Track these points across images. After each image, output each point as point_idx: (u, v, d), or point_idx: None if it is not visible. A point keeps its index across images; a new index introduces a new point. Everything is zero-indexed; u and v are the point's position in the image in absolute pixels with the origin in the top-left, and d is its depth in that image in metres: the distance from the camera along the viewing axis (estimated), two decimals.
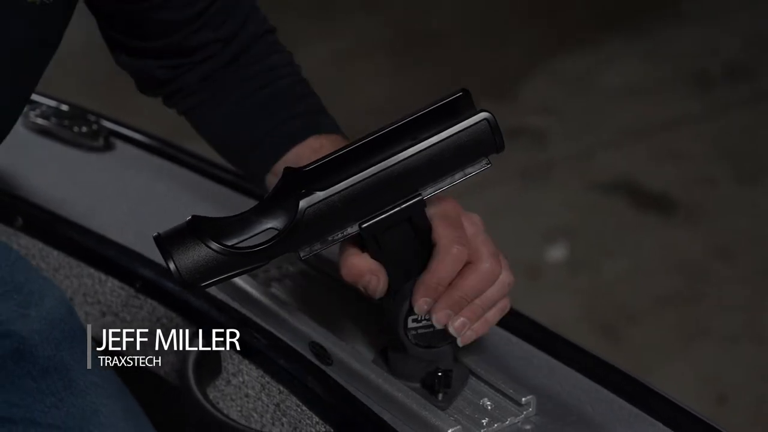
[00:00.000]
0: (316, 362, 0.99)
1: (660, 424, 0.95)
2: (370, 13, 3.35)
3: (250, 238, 0.91)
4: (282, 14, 3.35)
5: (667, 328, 2.34)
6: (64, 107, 1.41)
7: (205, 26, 1.12)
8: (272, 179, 1.14)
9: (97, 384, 1.11)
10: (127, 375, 1.15)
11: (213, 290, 1.14)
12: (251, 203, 1.14)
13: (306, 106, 1.17)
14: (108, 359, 1.15)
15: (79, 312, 1.20)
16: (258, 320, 1.08)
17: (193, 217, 0.91)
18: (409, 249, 0.94)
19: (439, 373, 0.92)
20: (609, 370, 1.02)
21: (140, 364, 1.17)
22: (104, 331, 1.20)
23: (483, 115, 0.90)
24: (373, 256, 0.95)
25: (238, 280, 1.09)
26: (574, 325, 0.98)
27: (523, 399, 0.91)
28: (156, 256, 1.06)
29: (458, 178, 0.91)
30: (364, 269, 0.93)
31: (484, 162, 0.91)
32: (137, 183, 1.35)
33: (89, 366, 1.12)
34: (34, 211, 1.26)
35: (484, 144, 0.91)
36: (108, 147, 1.38)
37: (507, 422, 0.90)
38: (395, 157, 0.89)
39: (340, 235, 0.90)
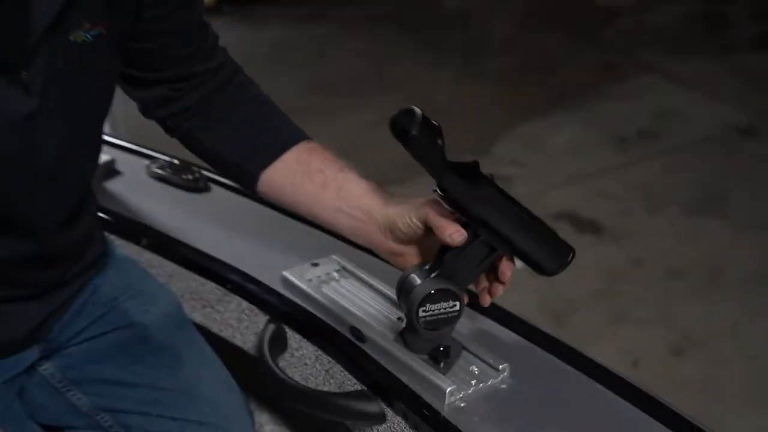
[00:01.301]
0: (354, 340, 1.05)
1: (584, 376, 1.01)
2: (388, 93, 3.44)
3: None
4: (322, 95, 3.42)
5: (597, 315, 2.43)
6: (176, 162, 1.48)
7: (199, 59, 1.13)
8: (265, 179, 1.12)
9: (199, 359, 1.17)
10: (220, 350, 1.21)
11: (282, 289, 1.19)
12: (310, 230, 1.24)
13: (287, 119, 1.16)
14: (205, 340, 1.22)
15: (186, 306, 1.26)
16: (313, 310, 1.13)
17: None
18: (474, 258, 0.97)
19: (441, 348, 0.97)
20: (561, 346, 1.07)
21: (230, 342, 1.25)
22: (204, 319, 1.28)
23: (572, 252, 0.95)
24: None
25: (299, 283, 1.15)
26: (532, 314, 1.04)
27: (500, 366, 0.97)
28: (241, 264, 1.23)
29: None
30: (450, 227, 0.94)
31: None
32: (226, 213, 1.40)
33: (193, 346, 1.18)
34: (154, 234, 1.33)
35: (554, 260, 0.96)
36: (206, 189, 1.44)
37: (489, 383, 0.97)
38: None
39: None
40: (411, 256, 1.03)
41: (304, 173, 1.07)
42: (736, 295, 2.47)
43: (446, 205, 0.93)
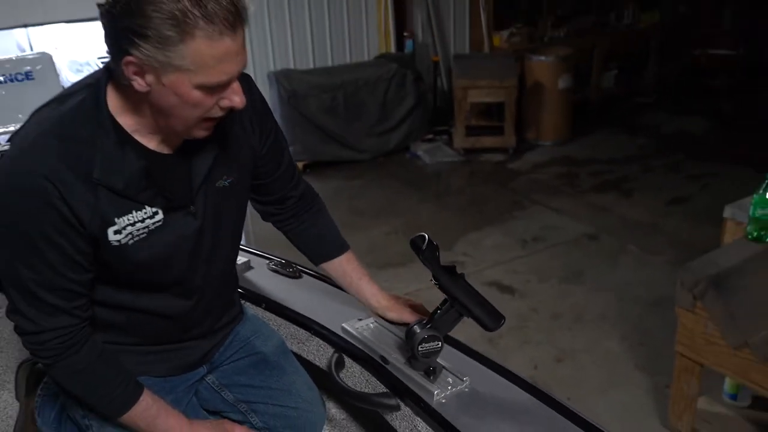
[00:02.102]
0: (382, 363, 1.26)
1: (509, 383, 1.18)
2: (396, 217, 4.14)
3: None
4: (359, 217, 4.10)
5: (513, 340, 2.86)
6: (283, 260, 1.66)
7: (290, 189, 1.30)
8: (329, 267, 1.34)
9: (294, 371, 1.36)
10: (307, 367, 1.39)
11: (342, 333, 1.34)
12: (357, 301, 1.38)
13: (338, 234, 1.36)
14: (298, 361, 1.39)
15: (288, 342, 1.43)
16: (359, 345, 1.33)
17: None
18: (449, 319, 1.18)
19: (431, 368, 1.20)
20: (496, 365, 1.26)
21: (312, 363, 1.42)
22: (298, 349, 1.45)
23: (502, 322, 1.13)
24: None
25: (351, 330, 1.33)
26: (477, 340, 1.30)
27: (464, 378, 1.20)
28: (319, 318, 1.39)
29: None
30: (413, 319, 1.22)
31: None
32: (310, 290, 1.56)
33: (291, 364, 1.37)
34: (270, 301, 1.51)
35: (494, 322, 1.14)
36: (300, 277, 1.62)
37: (458, 388, 1.18)
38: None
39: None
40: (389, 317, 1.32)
41: (342, 273, 1.35)
42: (589, 328, 2.98)
43: (438, 288, 1.16)
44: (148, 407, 1.11)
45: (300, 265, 1.62)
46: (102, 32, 0.93)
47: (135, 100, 0.99)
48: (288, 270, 1.63)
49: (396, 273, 3.11)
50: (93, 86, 1.01)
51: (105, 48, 0.96)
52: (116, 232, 1.01)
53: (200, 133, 1.02)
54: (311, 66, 5.25)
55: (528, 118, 5.39)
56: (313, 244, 1.35)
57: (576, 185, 4.65)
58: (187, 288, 1.16)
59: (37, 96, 1.68)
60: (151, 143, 1.03)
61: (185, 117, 0.98)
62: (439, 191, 4.82)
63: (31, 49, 5.65)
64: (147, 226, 1.04)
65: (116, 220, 1.01)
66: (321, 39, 5.26)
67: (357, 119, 5.02)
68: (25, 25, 4.57)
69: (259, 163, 1.21)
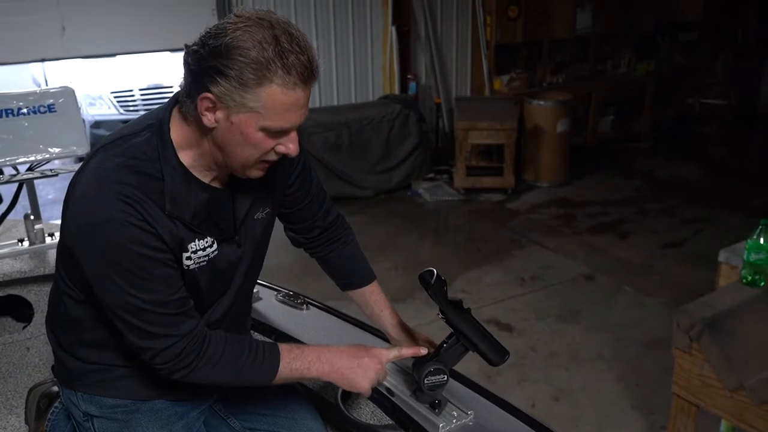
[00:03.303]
0: (388, 396, 1.27)
1: (511, 417, 1.18)
2: (397, 253, 4.18)
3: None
4: (371, 253, 4.14)
5: (512, 377, 2.87)
6: (291, 292, 1.69)
7: (320, 218, 1.35)
8: (354, 295, 1.38)
9: (300, 402, 1.38)
10: (313, 399, 1.41)
11: None
12: (363, 333, 1.44)
13: (365, 264, 1.40)
14: (304, 393, 1.41)
15: None
16: None
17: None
18: (455, 352, 1.19)
19: (437, 401, 1.21)
20: (498, 399, 1.27)
21: (319, 395, 1.46)
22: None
23: (506, 357, 1.14)
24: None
25: None
26: (476, 375, 1.34)
27: (469, 411, 1.21)
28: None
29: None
30: (414, 352, 1.23)
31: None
32: (317, 322, 1.57)
33: (297, 395, 1.38)
34: (278, 332, 1.53)
35: (498, 357, 1.15)
36: (307, 308, 1.64)
37: (462, 421, 1.19)
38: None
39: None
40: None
41: (365, 302, 1.39)
42: (586, 367, 2.99)
43: (444, 322, 1.17)
44: (290, 351, 1.15)
45: (308, 297, 1.64)
46: (175, 68, 1.03)
47: (197, 137, 1.06)
48: (296, 301, 1.65)
49: (396, 308, 3.08)
50: (156, 125, 1.07)
51: (182, 83, 1.03)
52: (188, 258, 1.10)
53: (255, 173, 1.08)
54: (317, 105, 5.33)
55: (527, 160, 5.46)
56: (339, 272, 1.40)
57: (573, 226, 4.69)
58: (217, 310, 1.21)
59: (58, 128, 1.82)
60: (206, 179, 1.10)
61: (244, 156, 1.04)
62: (439, 229, 4.86)
63: (46, 83, 5.80)
64: (207, 255, 1.11)
65: (188, 246, 1.09)
66: (327, 79, 5.37)
67: (360, 157, 5.09)
68: (43, 60, 4.69)
69: (287, 192, 1.27)
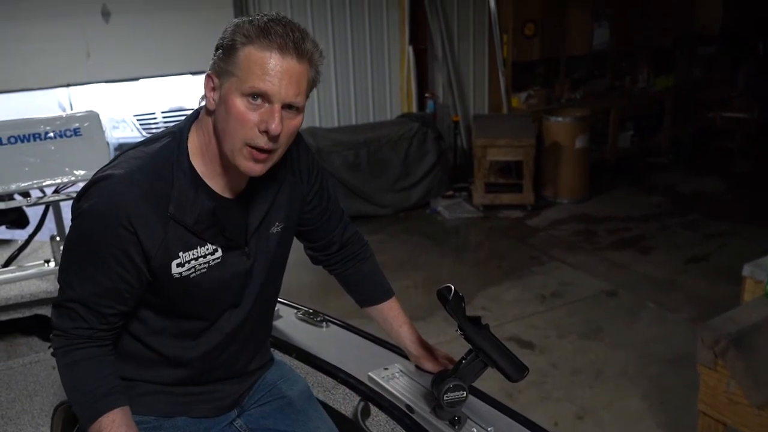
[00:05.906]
0: (407, 412, 1.27)
1: None
2: (416, 271, 4.18)
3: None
4: (391, 272, 4.14)
5: (534, 395, 2.83)
6: (310, 310, 1.69)
7: (337, 234, 1.35)
8: (372, 312, 1.39)
9: (319, 418, 1.36)
10: (332, 415, 1.39)
11: (368, 381, 1.34)
12: (383, 350, 1.44)
13: (382, 280, 1.40)
14: (324, 409, 1.39)
15: (314, 389, 1.44)
16: (385, 394, 1.35)
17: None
18: (474, 369, 1.19)
19: (456, 417, 1.21)
20: (519, 416, 1.26)
21: (338, 411, 1.42)
22: (324, 397, 1.46)
23: (526, 372, 1.13)
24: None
25: (377, 378, 1.34)
26: (495, 393, 1.33)
27: (489, 428, 1.21)
28: (345, 367, 1.40)
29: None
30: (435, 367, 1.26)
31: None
32: (336, 339, 1.58)
33: (317, 411, 1.37)
34: (298, 349, 1.53)
35: (518, 373, 1.15)
36: (326, 326, 1.65)
37: None
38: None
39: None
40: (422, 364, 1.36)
41: (384, 319, 1.40)
42: (609, 385, 2.95)
43: (463, 338, 1.17)
44: (114, 420, 1.10)
45: (327, 315, 1.65)
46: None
47: (207, 140, 1.11)
48: (315, 319, 1.66)
49: (416, 326, 3.07)
50: (176, 132, 1.13)
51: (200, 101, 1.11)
52: (179, 265, 1.10)
53: (246, 163, 1.07)
54: (336, 124, 5.40)
55: (546, 176, 5.45)
56: (358, 288, 1.41)
57: (594, 242, 4.65)
58: (229, 321, 1.21)
59: (83, 151, 1.87)
60: (217, 187, 1.13)
61: (231, 136, 1.05)
62: (458, 246, 4.84)
63: (71, 107, 5.92)
64: (208, 262, 1.12)
65: (180, 254, 1.10)
66: (345, 98, 5.43)
67: (379, 176, 5.12)
68: (68, 85, 4.82)
69: (305, 209, 1.28)
